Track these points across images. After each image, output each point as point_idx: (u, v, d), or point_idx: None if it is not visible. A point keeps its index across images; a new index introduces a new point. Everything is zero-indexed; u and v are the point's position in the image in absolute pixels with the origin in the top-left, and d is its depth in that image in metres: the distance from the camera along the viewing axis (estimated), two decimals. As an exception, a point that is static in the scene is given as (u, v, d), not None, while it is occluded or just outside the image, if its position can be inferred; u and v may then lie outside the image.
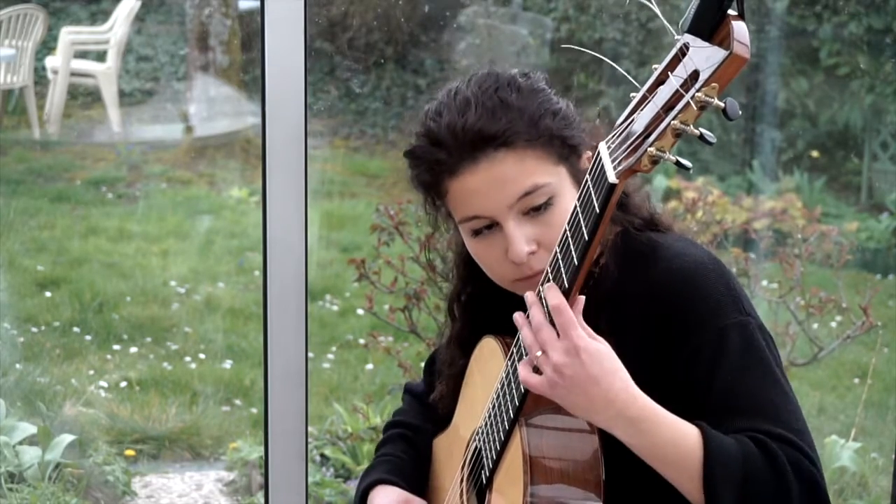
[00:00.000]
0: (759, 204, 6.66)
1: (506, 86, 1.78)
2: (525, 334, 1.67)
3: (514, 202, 1.75)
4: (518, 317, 1.69)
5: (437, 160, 1.78)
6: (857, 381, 5.32)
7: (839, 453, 4.38)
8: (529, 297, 1.69)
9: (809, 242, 4.41)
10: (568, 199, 1.75)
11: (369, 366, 5.31)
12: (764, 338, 1.75)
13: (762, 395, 1.71)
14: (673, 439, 1.64)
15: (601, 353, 1.62)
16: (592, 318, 1.69)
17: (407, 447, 2.09)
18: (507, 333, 1.82)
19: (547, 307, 1.63)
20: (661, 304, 1.75)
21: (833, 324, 5.17)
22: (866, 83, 7.32)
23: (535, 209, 1.75)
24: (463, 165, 1.76)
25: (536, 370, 1.66)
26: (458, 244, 1.94)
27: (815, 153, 7.44)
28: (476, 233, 1.80)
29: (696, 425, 1.66)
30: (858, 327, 4.12)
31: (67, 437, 4.30)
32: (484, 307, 1.92)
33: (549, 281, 1.66)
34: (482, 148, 1.75)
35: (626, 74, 1.64)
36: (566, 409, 1.66)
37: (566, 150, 1.77)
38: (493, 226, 1.78)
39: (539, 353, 1.63)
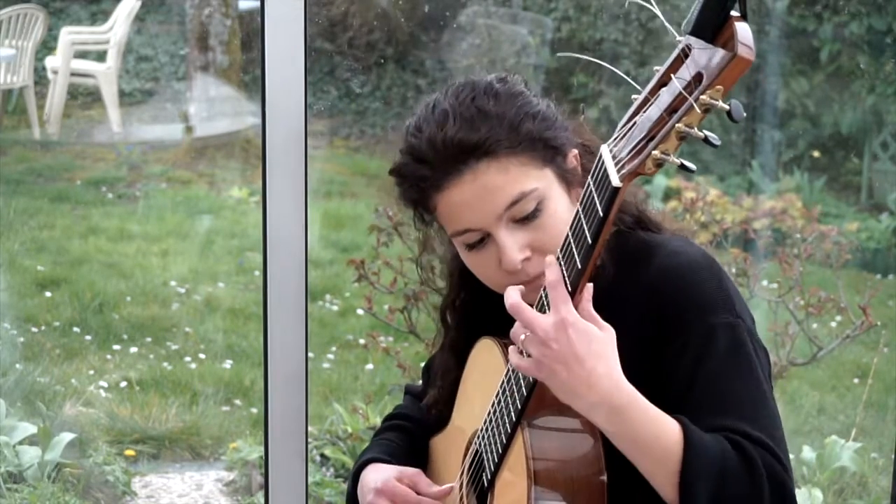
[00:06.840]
0: (759, 204, 6.66)
1: (482, 94, 1.76)
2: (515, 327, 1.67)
3: (502, 212, 1.74)
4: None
5: (422, 176, 1.77)
6: (857, 381, 5.32)
7: (839, 453, 4.37)
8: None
9: (809, 242, 4.41)
10: (557, 200, 1.75)
11: (369, 366, 5.31)
12: (752, 342, 1.74)
13: (743, 395, 1.71)
14: (654, 432, 1.64)
15: (591, 334, 1.60)
16: None
17: (402, 435, 2.09)
18: (503, 337, 1.81)
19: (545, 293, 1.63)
20: (656, 303, 1.74)
21: (833, 323, 5.17)
22: (867, 83, 7.32)
23: (526, 216, 1.74)
24: (448, 179, 1.74)
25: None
26: (451, 253, 1.93)
27: (815, 153, 7.44)
28: (470, 247, 1.79)
29: (677, 419, 1.66)
30: (858, 327, 4.12)
31: (67, 437, 4.30)
32: (478, 313, 1.91)
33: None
34: (464, 160, 1.73)
35: (625, 77, 1.64)
36: (552, 392, 1.64)
37: (550, 151, 1.76)
38: (485, 238, 1.77)
39: (523, 337, 1.63)
